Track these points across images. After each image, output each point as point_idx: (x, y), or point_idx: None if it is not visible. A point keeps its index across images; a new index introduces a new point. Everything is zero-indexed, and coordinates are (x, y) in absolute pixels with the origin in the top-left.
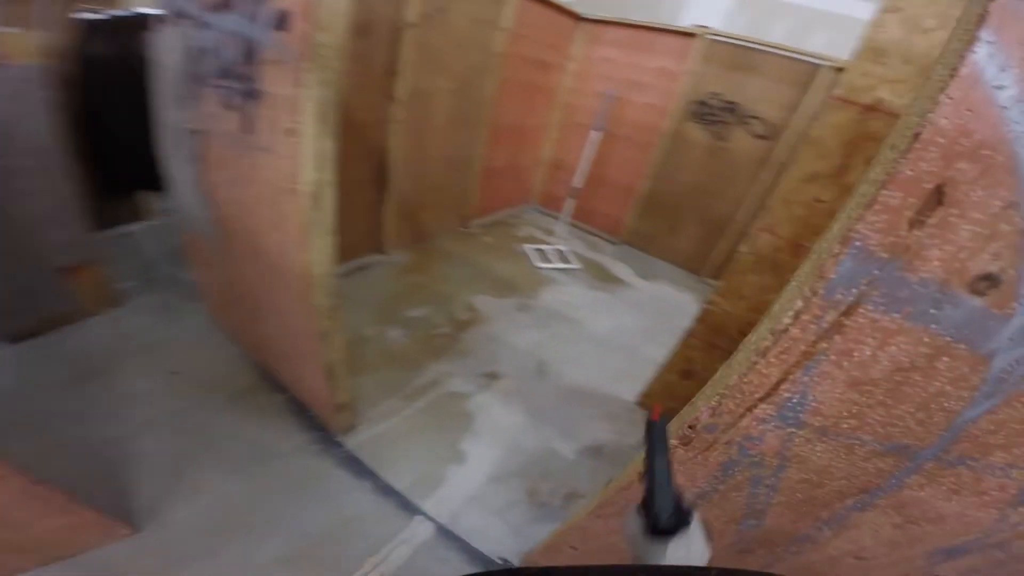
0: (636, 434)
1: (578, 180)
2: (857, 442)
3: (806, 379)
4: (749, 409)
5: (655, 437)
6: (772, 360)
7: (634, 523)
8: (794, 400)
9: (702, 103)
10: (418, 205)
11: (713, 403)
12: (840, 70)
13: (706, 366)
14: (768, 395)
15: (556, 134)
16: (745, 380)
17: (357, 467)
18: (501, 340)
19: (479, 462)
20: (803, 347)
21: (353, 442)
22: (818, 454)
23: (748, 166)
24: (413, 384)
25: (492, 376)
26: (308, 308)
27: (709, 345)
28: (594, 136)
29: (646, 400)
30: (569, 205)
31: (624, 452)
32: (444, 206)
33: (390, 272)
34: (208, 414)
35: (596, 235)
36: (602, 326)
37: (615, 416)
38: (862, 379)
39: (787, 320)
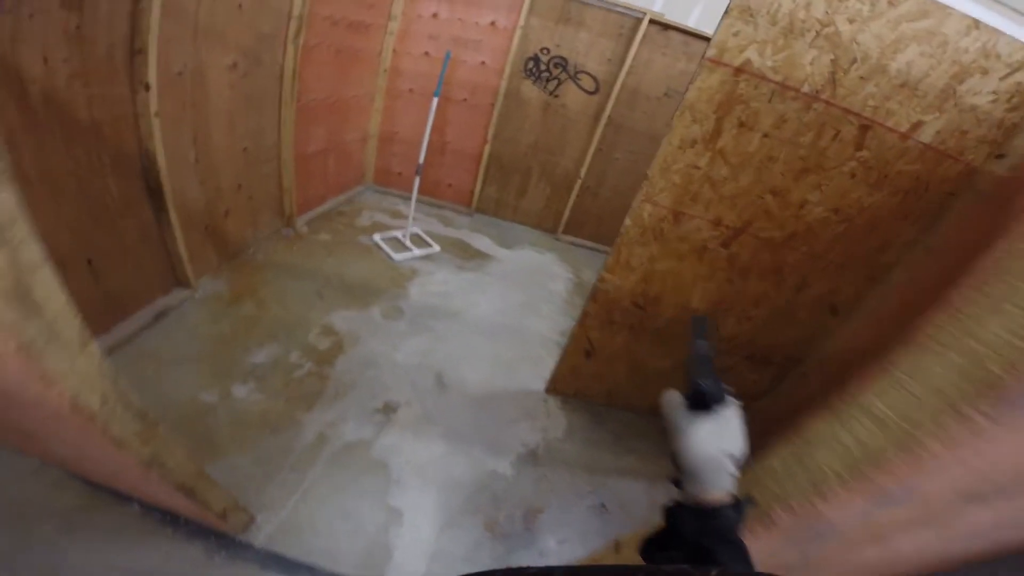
0: (560, 426)
1: (419, 152)
2: None
3: None
4: None
5: (696, 326)
6: None
7: (672, 398)
8: None
9: (534, 59)
10: (217, 214)
11: None
12: (661, 24)
13: (605, 343)
14: None
15: (383, 103)
16: None
17: (284, 564)
18: (381, 361)
19: (419, 514)
20: None
21: (261, 538)
22: None
23: (583, 122)
24: (296, 449)
25: (387, 409)
26: (106, 445)
27: (606, 322)
28: (433, 102)
29: (555, 387)
30: (413, 181)
31: (557, 449)
32: (254, 207)
33: (206, 309)
34: (44, 550)
35: (447, 208)
36: (482, 311)
37: (532, 412)
38: None
39: None
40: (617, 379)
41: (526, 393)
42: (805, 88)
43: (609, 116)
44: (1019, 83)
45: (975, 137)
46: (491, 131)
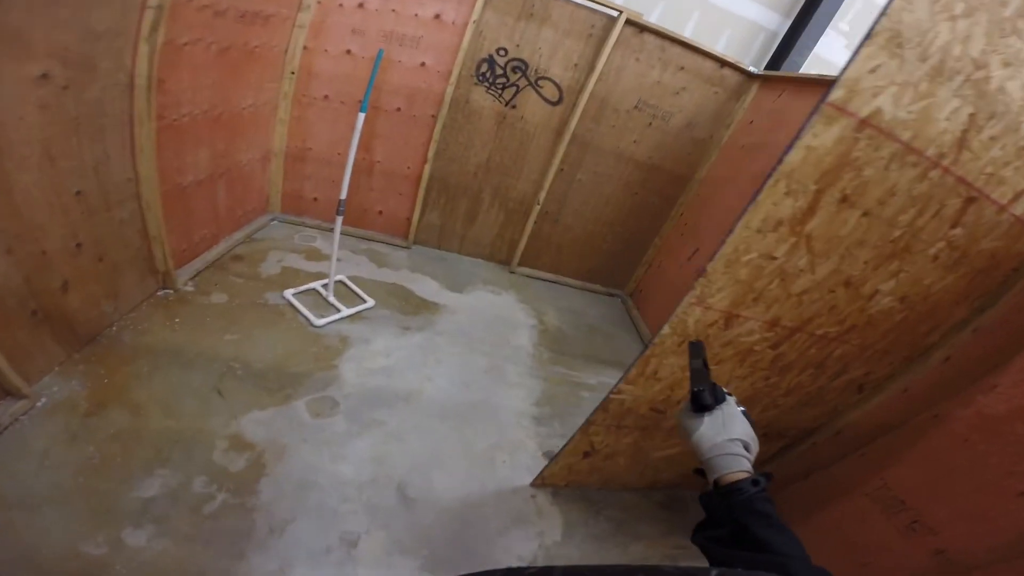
0: (555, 525)
1: (340, 173)
2: None
3: None
4: None
5: (693, 350)
6: None
7: (683, 410)
8: None
9: (489, 61)
10: (46, 289)
11: None
12: (638, 26)
13: (609, 443)
14: None
15: (290, 113)
16: None
17: None
18: (321, 480)
19: None
20: None
21: None
22: None
23: (544, 137)
24: None
25: (344, 543)
26: None
27: (614, 427)
28: (359, 117)
29: (543, 480)
30: (333, 212)
31: (556, 556)
32: (109, 270)
33: (58, 424)
34: None
35: (378, 241)
36: (440, 387)
37: (522, 515)
38: None
39: None
40: (616, 470)
41: (511, 491)
42: (931, 151)
43: (574, 131)
44: None
45: None
46: (433, 148)
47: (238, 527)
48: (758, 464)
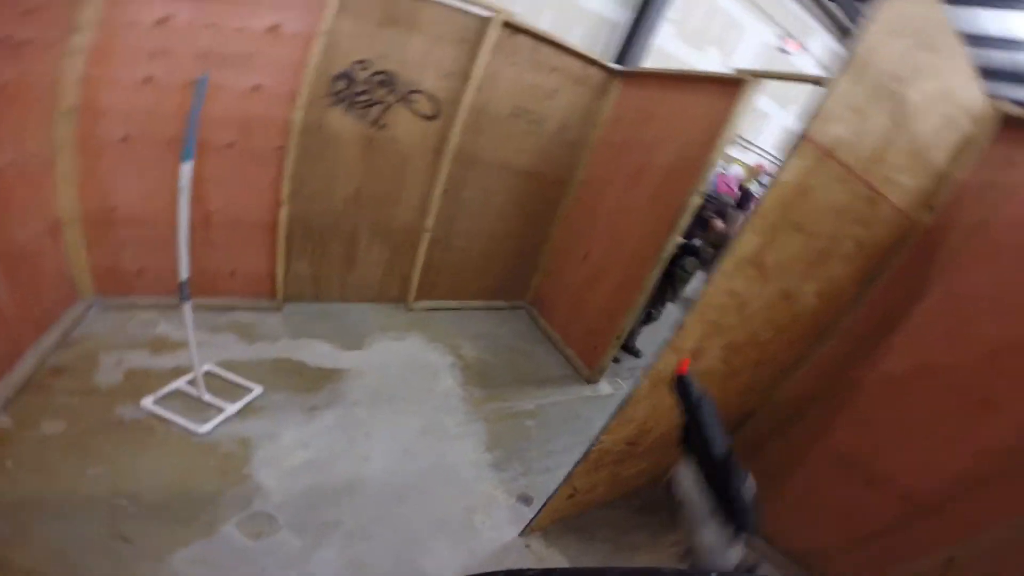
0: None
1: (170, 234)
2: None
3: None
4: None
5: (688, 390)
6: None
7: (687, 474)
8: None
9: (346, 77)
10: None
11: None
12: (511, 27)
13: (589, 481)
14: None
15: (76, 164)
16: None
17: None
18: None
19: None
20: None
21: None
22: None
23: (423, 157)
24: None
25: None
26: None
27: (592, 469)
28: (185, 167)
29: (531, 528)
30: (172, 285)
31: None
32: None
33: None
34: None
35: (239, 308)
36: (381, 465)
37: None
38: None
39: None
40: (595, 498)
41: (503, 549)
42: (858, 166)
43: (456, 146)
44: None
45: (925, 193)
46: (286, 186)
47: None
48: None
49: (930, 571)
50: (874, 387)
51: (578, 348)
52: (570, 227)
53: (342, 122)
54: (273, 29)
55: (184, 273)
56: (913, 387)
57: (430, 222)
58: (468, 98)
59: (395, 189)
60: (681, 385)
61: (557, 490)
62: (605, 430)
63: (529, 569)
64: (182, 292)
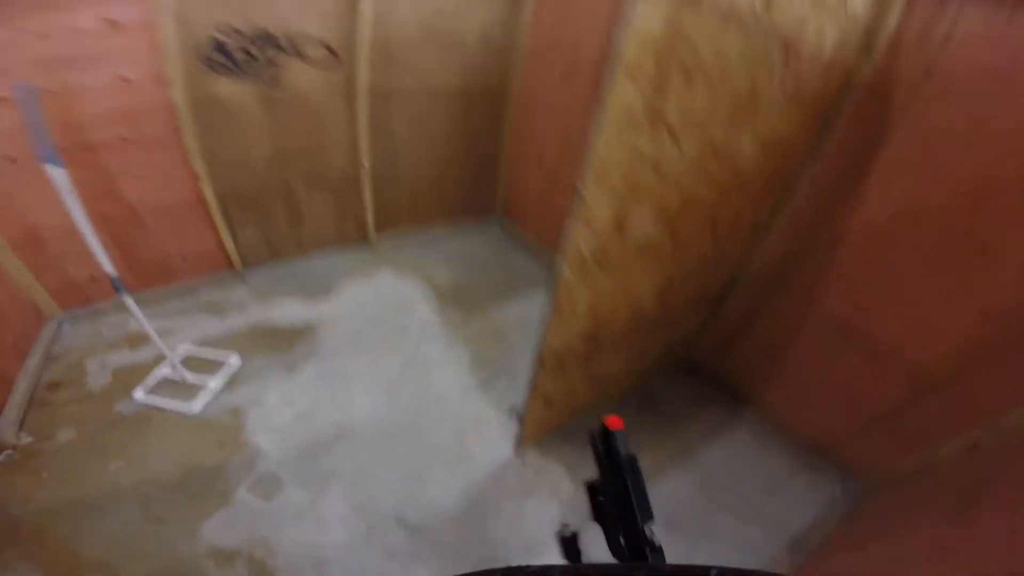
0: (562, 479)
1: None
2: None
3: None
4: None
5: (615, 448)
6: None
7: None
8: None
9: (218, 47)
10: None
11: None
12: None
13: (562, 385)
14: None
15: None
16: None
17: None
18: (327, 554)
19: None
20: None
21: None
22: None
23: (335, 103)
24: None
25: None
26: None
27: (558, 372)
28: (52, 170)
29: (523, 442)
30: (108, 285)
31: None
32: None
33: None
34: None
35: (202, 289)
36: (368, 406)
37: (527, 484)
38: None
39: None
40: (581, 399)
41: (501, 467)
42: (747, 12)
43: (369, 85)
44: None
45: (854, 43)
46: (199, 162)
47: None
48: (703, 327)
49: (954, 457)
50: (857, 240)
51: (556, 247)
52: (520, 134)
53: (234, 90)
54: (110, 22)
55: (109, 269)
56: (900, 236)
57: (365, 161)
58: (364, 35)
59: (316, 139)
60: (608, 441)
61: (528, 402)
62: (546, 329)
63: (529, 566)
64: (116, 287)
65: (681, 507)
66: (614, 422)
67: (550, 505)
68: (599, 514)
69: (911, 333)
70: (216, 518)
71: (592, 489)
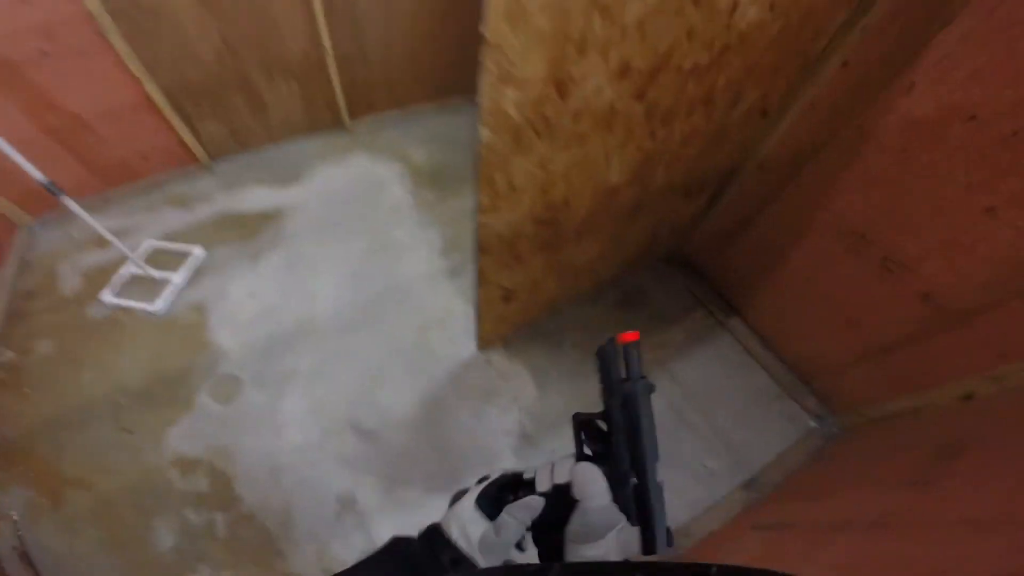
0: (525, 382)
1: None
2: None
3: None
4: None
5: (632, 361)
6: None
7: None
8: None
9: None
10: None
11: None
12: None
13: (520, 277)
14: None
15: None
16: None
17: None
18: (282, 459)
19: None
20: None
21: None
22: None
23: None
24: None
25: (346, 503)
26: None
27: (512, 260)
28: None
29: (487, 340)
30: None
31: (542, 413)
32: None
33: (47, 529)
34: None
35: (168, 184)
36: (330, 297)
37: (488, 387)
38: None
39: None
40: (549, 292)
41: (462, 367)
42: None
43: None
44: None
45: None
46: (137, 65)
47: (255, 534)
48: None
49: (945, 405)
50: (892, 138)
51: None
52: None
53: None
54: None
55: (39, 176)
56: (947, 138)
57: (326, 42)
58: None
59: (267, 27)
60: (623, 352)
61: (479, 294)
62: (479, 209)
63: (528, 564)
64: (52, 191)
65: None
66: (629, 335)
67: (510, 415)
68: (599, 452)
69: (937, 254)
70: (180, 425)
71: (584, 424)
